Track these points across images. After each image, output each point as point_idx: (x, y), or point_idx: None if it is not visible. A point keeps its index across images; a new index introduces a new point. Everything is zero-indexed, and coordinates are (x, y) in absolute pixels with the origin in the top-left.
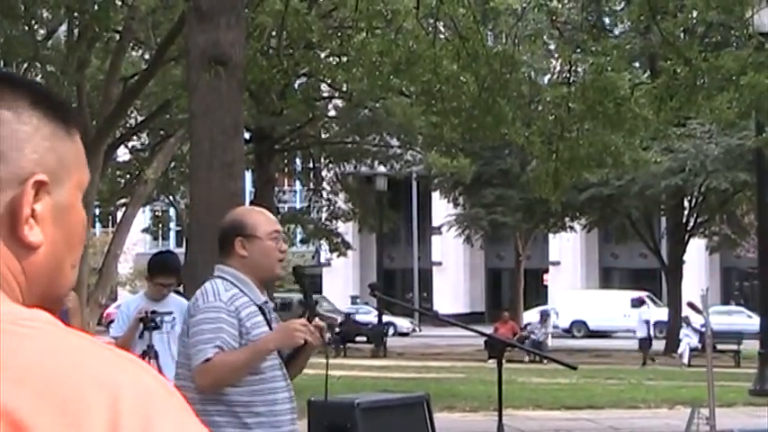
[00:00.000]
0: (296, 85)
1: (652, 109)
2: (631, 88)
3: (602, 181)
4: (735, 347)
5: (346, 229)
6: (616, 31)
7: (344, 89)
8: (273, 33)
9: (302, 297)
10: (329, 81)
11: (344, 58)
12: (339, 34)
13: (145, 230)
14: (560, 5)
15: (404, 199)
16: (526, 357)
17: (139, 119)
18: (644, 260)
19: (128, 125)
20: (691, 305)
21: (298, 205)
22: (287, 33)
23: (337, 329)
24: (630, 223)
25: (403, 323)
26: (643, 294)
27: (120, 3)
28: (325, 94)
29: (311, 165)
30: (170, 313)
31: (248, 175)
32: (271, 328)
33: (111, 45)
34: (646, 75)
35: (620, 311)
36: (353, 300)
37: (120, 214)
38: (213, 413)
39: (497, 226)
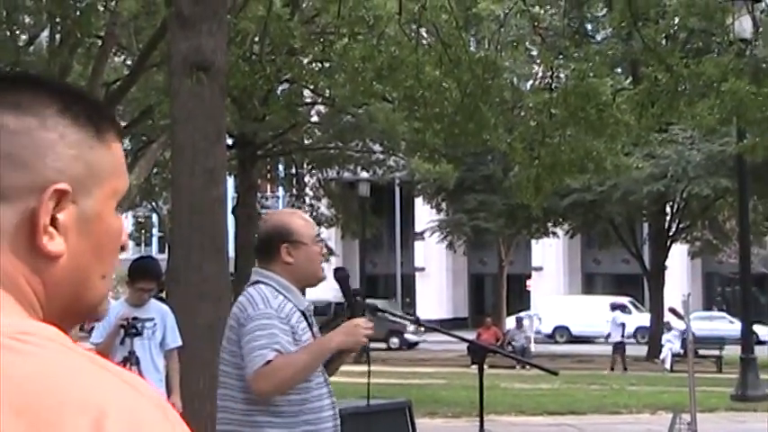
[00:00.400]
0: (278, 91)
1: (634, 115)
2: (613, 94)
3: (585, 187)
4: (717, 353)
5: (329, 235)
6: (598, 37)
7: (327, 95)
8: (256, 39)
9: (344, 299)
10: (312, 87)
11: (327, 64)
12: (321, 40)
13: (127, 236)
14: (542, 12)
15: (387, 205)
16: (517, 365)
17: (122, 124)
18: (626, 266)
19: None
20: (672, 310)
21: None
22: (269, 39)
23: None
24: (613, 229)
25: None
26: (623, 299)
27: (102, 8)
28: (308, 100)
29: (294, 170)
30: (151, 320)
31: (231, 181)
32: (313, 334)
33: (93, 51)
34: (628, 81)
35: (602, 317)
36: (337, 306)
37: None
38: (264, 424)
39: (480, 232)
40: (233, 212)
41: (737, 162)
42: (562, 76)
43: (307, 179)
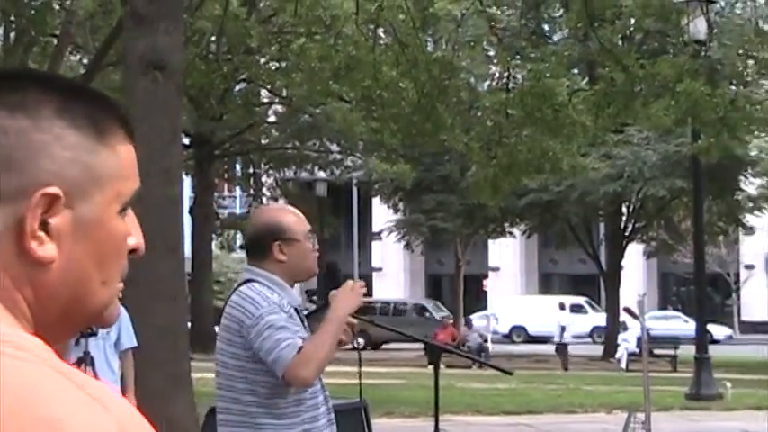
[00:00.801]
0: (235, 91)
1: (590, 115)
2: (569, 95)
3: (542, 187)
4: (672, 352)
5: None
6: (555, 38)
7: (284, 94)
8: (213, 38)
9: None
10: (269, 86)
11: (284, 64)
12: (279, 40)
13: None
14: (499, 12)
15: (344, 204)
16: (473, 365)
17: None
18: (583, 266)
19: None
20: (627, 310)
21: (237, 211)
22: (226, 38)
23: None
24: (570, 229)
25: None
26: (579, 299)
27: (57, 7)
28: (265, 100)
29: (251, 170)
30: None
31: (188, 181)
32: (305, 329)
33: (48, 49)
34: (584, 81)
35: (559, 317)
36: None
37: None
38: (266, 426)
39: (437, 232)
40: (190, 212)
41: (692, 163)
42: (519, 76)
43: (264, 179)
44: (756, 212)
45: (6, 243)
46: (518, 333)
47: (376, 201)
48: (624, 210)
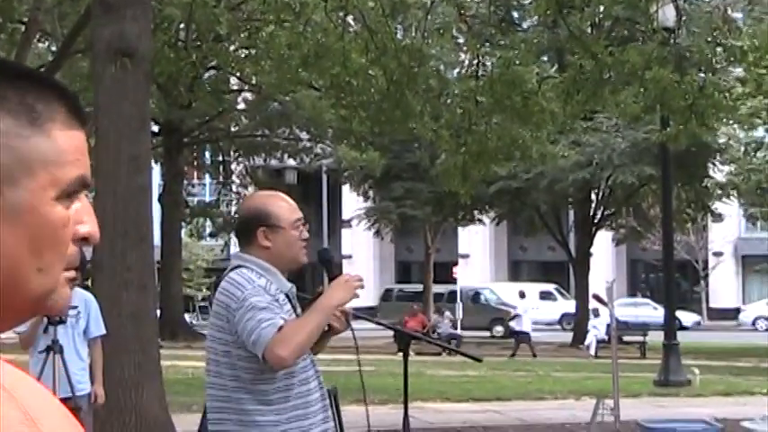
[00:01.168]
0: (205, 78)
1: (559, 102)
2: (539, 82)
3: (511, 174)
4: (640, 339)
5: None
6: (524, 25)
7: (253, 82)
8: (182, 26)
9: (329, 280)
10: (238, 74)
11: (253, 51)
12: (248, 27)
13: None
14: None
15: (314, 192)
16: (443, 352)
17: None
18: (552, 253)
19: None
20: (596, 297)
21: (207, 198)
22: (195, 26)
23: None
24: (539, 216)
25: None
26: (548, 286)
27: None
28: (235, 87)
29: (220, 158)
30: (75, 307)
31: (157, 169)
32: (297, 317)
33: (16, 36)
34: (553, 69)
35: (528, 304)
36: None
37: None
38: (253, 412)
39: (407, 219)
40: (159, 200)
41: (661, 150)
42: (488, 63)
43: (233, 166)
44: (725, 200)
45: None
46: None
47: (345, 188)
48: (593, 197)
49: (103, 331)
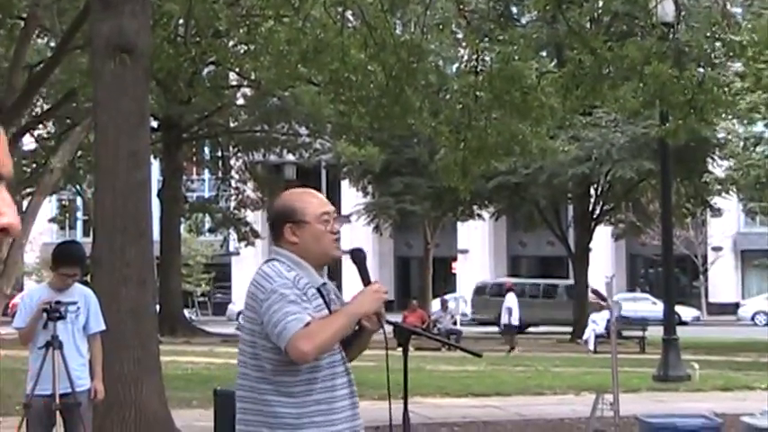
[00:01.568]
0: (204, 74)
1: (558, 98)
2: (538, 77)
3: (510, 169)
4: (640, 334)
5: (255, 218)
6: (523, 21)
7: (252, 77)
8: (181, 21)
9: (361, 279)
10: (237, 69)
11: (252, 47)
12: (247, 22)
13: (51, 220)
14: None
15: (313, 187)
16: (443, 348)
17: (45, 107)
18: (551, 248)
19: (33, 113)
20: (595, 292)
21: (206, 194)
22: (194, 21)
23: None
24: (538, 211)
25: None
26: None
27: None
28: (234, 83)
29: (219, 153)
30: (74, 303)
31: (156, 164)
32: (330, 311)
33: (15, 32)
34: (552, 64)
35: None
36: None
37: (25, 203)
38: (275, 404)
39: (406, 214)
40: (158, 196)
41: (660, 145)
42: (487, 59)
43: (233, 162)
44: (724, 194)
45: None
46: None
47: (345, 184)
48: (592, 192)
49: (103, 327)
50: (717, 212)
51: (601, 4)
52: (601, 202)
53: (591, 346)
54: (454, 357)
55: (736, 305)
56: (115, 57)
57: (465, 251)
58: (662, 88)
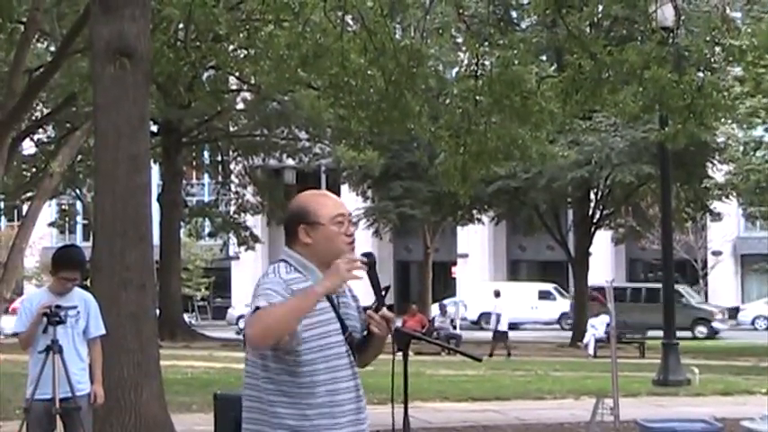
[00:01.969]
0: (204, 78)
1: (558, 102)
2: (538, 82)
3: (510, 173)
4: (640, 338)
5: (255, 223)
6: (523, 25)
7: (252, 82)
8: (181, 25)
9: (371, 285)
10: (237, 74)
11: (252, 51)
12: (247, 27)
13: (51, 224)
14: None
15: None
16: (443, 352)
17: (45, 111)
18: (551, 252)
19: (33, 118)
20: (594, 297)
21: (206, 198)
22: (194, 25)
23: None
24: (538, 215)
25: None
26: (547, 285)
27: None
28: (234, 87)
29: (219, 157)
30: (74, 307)
31: (156, 168)
32: (338, 314)
33: (15, 37)
34: (552, 68)
35: (527, 303)
36: None
37: (25, 208)
38: (276, 404)
39: (406, 219)
40: (158, 200)
41: (660, 149)
42: (487, 63)
43: (232, 166)
44: (724, 199)
45: None
46: (487, 320)
47: (344, 188)
48: (592, 196)
49: (103, 331)
50: (717, 217)
51: (601, 8)
52: (600, 207)
53: (591, 351)
54: (454, 362)
55: (736, 309)
56: (115, 61)
57: (465, 255)
58: (662, 92)
